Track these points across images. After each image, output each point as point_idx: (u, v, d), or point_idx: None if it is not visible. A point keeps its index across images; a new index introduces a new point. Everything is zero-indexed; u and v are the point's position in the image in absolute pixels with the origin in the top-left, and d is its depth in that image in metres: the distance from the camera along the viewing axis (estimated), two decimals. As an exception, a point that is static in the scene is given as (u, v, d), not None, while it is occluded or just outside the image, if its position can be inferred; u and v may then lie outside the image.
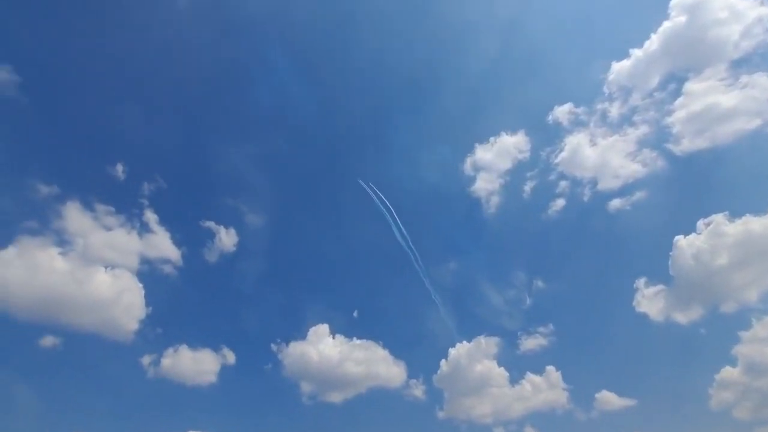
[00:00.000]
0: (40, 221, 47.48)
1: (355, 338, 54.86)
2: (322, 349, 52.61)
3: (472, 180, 65.17)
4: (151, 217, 52.85)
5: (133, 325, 48.26)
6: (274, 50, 67.90)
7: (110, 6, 60.03)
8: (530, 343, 54.37)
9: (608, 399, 49.04)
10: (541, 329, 54.55)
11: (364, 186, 54.72)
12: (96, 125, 57.83)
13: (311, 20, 68.22)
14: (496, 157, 64.72)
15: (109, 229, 51.08)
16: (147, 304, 49.13)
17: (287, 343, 53.03)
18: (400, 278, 62.87)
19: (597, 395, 49.46)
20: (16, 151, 49.78)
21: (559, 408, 50.04)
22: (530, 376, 51.68)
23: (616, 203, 58.70)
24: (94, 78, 58.74)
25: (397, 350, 53.64)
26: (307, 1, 68.00)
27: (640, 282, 53.19)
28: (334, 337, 54.36)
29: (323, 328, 54.17)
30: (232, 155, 65.25)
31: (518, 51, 72.52)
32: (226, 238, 56.36)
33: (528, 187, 64.27)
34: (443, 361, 53.16)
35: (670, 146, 57.98)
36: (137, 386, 47.74)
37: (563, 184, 62.14)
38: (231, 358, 50.54)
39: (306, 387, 52.09)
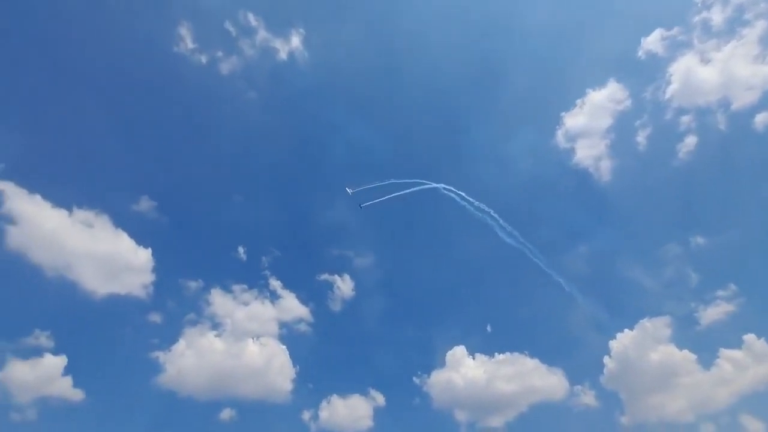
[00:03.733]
0: (196, 312, 56.22)
1: (496, 353, 51.74)
2: (465, 372, 50.44)
3: (570, 152, 59.48)
4: (276, 284, 58.79)
5: (287, 386, 52.73)
6: (338, 105, 72.78)
7: (201, 119, 71.64)
8: (712, 313, 45.24)
9: None
10: (720, 293, 45.26)
11: (351, 192, 49.66)
12: (216, 221, 68.25)
13: (361, 67, 72.38)
14: (590, 118, 58.66)
15: (246, 304, 58.16)
16: (294, 364, 53.53)
17: (428, 373, 52.10)
18: (524, 279, 58.56)
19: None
20: (168, 259, 60.46)
21: (782, 384, 39.47)
22: (725, 353, 42.73)
23: (762, 118, 48.19)
24: (204, 185, 70.28)
25: (547, 357, 49.07)
26: (351, 50, 72.19)
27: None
28: (474, 358, 51.98)
29: (460, 350, 52.31)
30: (327, 209, 70.10)
31: None
32: (344, 285, 59.48)
33: (641, 137, 56.36)
34: (606, 357, 46.85)
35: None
36: (305, 442, 50.65)
37: (685, 119, 53.29)
38: (380, 399, 51.34)
39: (460, 415, 49.92)
